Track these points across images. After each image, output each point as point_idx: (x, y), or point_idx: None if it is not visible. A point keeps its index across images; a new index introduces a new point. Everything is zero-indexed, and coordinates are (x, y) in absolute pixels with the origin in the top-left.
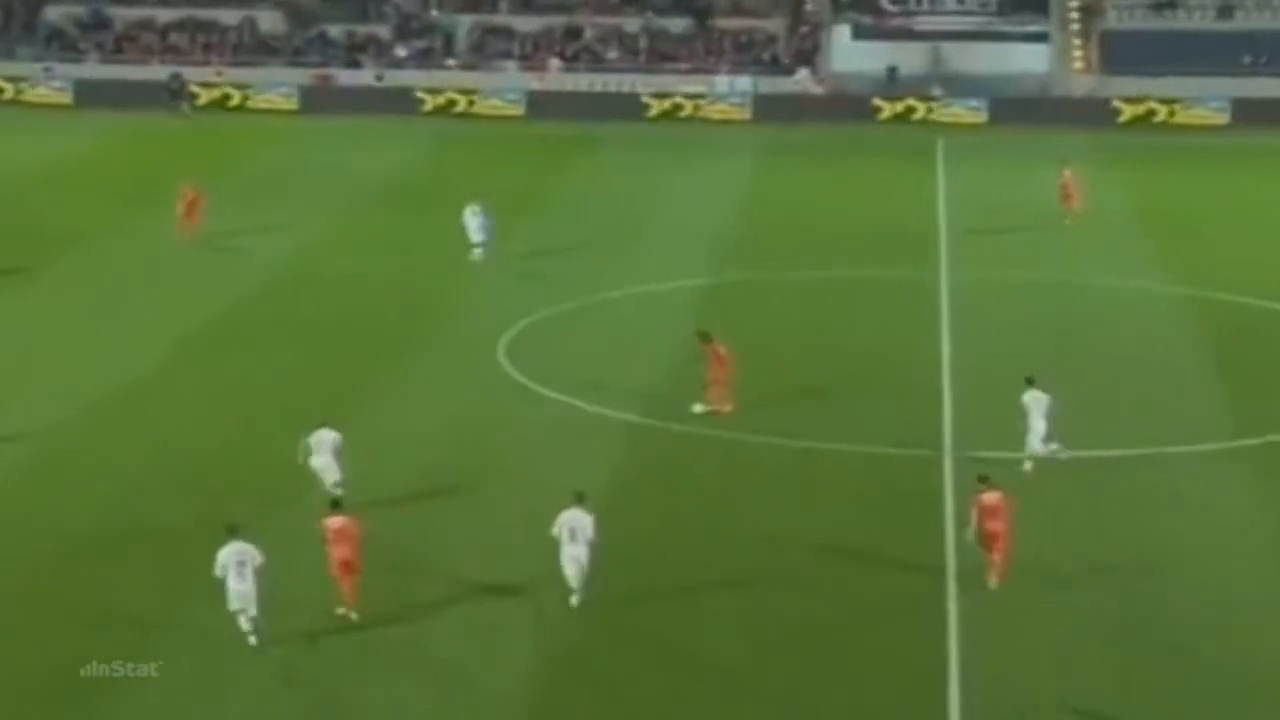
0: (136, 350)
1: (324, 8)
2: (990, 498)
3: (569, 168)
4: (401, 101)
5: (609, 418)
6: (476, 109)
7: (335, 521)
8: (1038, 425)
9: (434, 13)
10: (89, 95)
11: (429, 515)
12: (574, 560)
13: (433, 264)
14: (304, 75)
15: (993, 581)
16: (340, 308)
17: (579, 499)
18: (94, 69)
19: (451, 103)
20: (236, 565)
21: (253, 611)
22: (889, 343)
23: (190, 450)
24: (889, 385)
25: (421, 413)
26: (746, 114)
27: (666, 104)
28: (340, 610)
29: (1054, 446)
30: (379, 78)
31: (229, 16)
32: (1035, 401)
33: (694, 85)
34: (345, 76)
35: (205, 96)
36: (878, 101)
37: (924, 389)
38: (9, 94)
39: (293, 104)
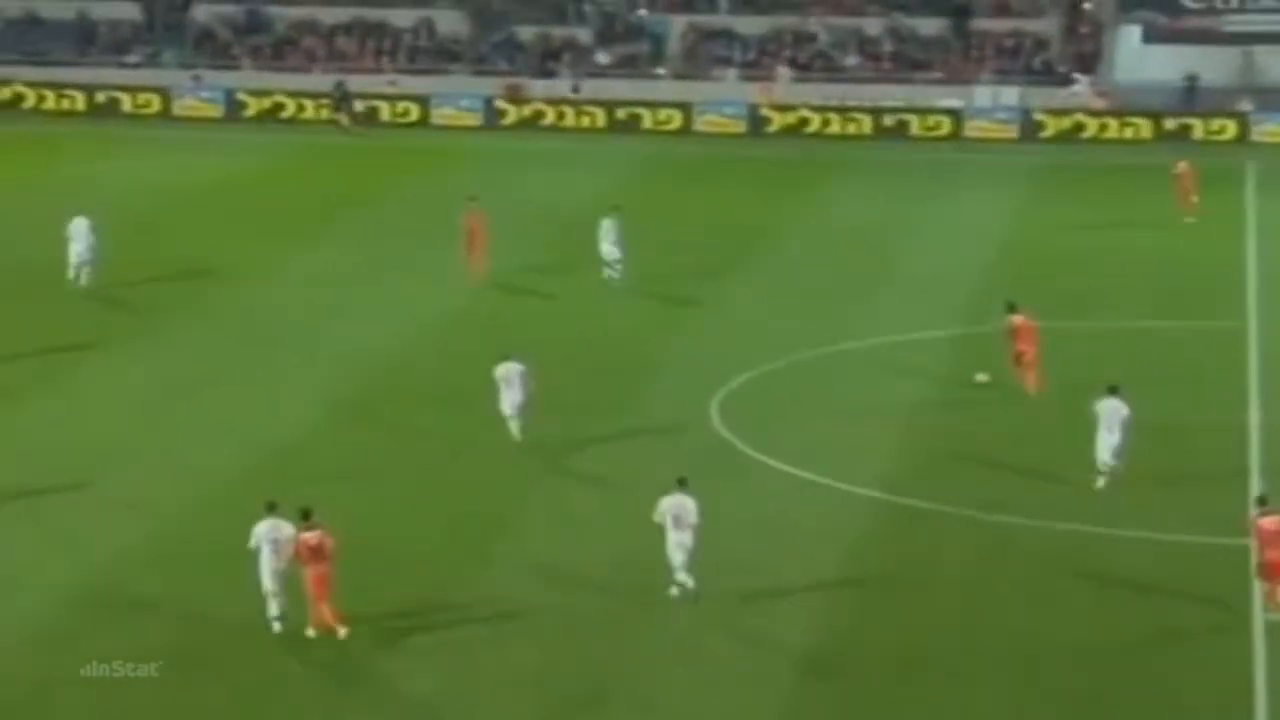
0: (284, 408)
1: (513, 7)
2: (1270, 523)
3: (799, 196)
4: (601, 116)
5: (842, 491)
6: (690, 125)
7: (311, 537)
8: (1109, 438)
9: (641, 12)
10: (242, 108)
11: (627, 610)
12: (680, 547)
13: (629, 307)
14: (489, 85)
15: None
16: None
17: (681, 484)
18: (248, 77)
19: (662, 119)
20: (271, 542)
21: (282, 596)
22: (1182, 408)
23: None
24: (1180, 459)
25: (619, 484)
26: (1012, 132)
27: (916, 120)
28: (311, 631)
29: (1113, 463)
30: (576, 89)
31: (403, 17)
32: (1112, 411)
33: (949, 98)
34: (537, 87)
35: (383, 110)
36: (1173, 117)
37: (1225, 463)
38: (154, 106)
39: (475, 119)
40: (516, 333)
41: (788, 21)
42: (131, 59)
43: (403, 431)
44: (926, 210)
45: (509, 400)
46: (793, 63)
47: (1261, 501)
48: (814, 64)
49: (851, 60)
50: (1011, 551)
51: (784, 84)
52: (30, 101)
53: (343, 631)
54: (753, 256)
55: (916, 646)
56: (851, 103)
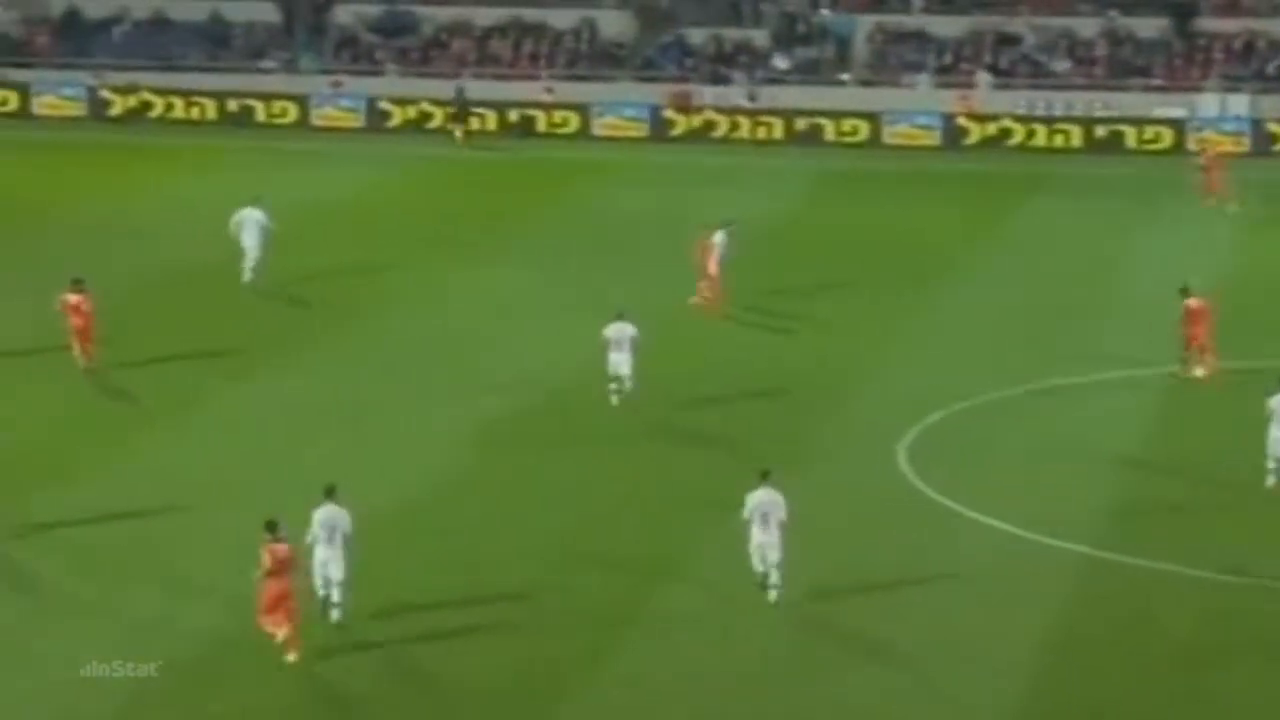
0: (430, 443)
1: (683, 7)
2: None
3: (1000, 217)
4: (779, 127)
5: (1042, 545)
6: (878, 137)
7: (280, 549)
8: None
9: (824, 12)
10: (385, 117)
11: (805, 668)
12: (768, 548)
13: (809, 338)
14: (656, 93)
15: None
16: (705, 392)
17: (764, 476)
18: (392, 84)
19: (846, 130)
20: (327, 530)
21: (337, 583)
22: None
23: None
24: None
25: (795, 537)
26: (1244, 145)
27: (1132, 132)
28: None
29: None
30: (752, 97)
31: (563, 18)
32: None
33: (1170, 107)
34: (709, 95)
35: (539, 120)
36: None
37: None
38: (291, 115)
39: (640, 130)
40: (681, 362)
41: (989, 21)
42: (267, 64)
43: (562, 469)
44: (1143, 233)
45: (615, 361)
46: (994, 68)
47: None
48: (1018, 69)
49: (1061, 65)
50: (1238, 617)
51: (984, 91)
52: (158, 109)
53: (291, 656)
54: (947, 283)
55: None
56: (1060, 112)
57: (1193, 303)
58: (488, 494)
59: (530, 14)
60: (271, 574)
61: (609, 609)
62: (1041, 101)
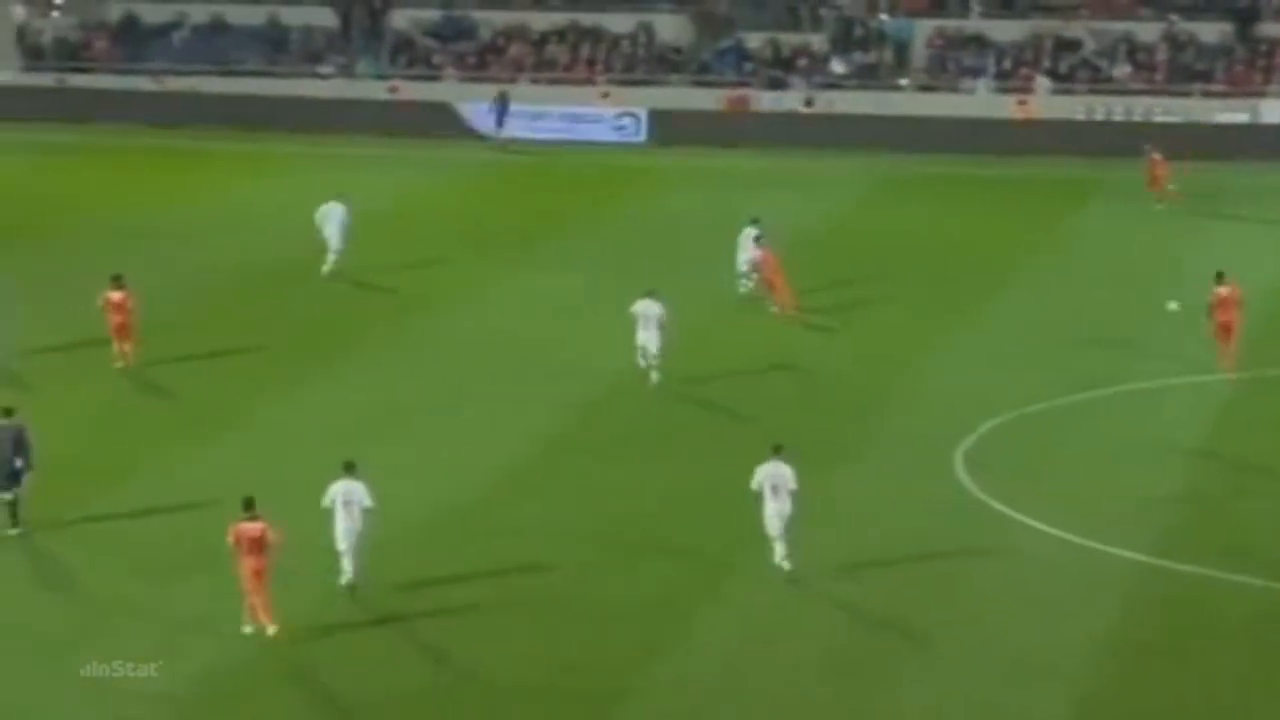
0: (494, 443)
1: (741, 11)
2: None
3: (1058, 221)
4: (836, 132)
5: (1103, 553)
6: (938, 141)
7: (252, 528)
8: None
9: (883, 17)
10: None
11: (861, 685)
12: (779, 516)
13: (866, 342)
14: (712, 98)
15: None
16: (757, 397)
17: (777, 450)
18: (450, 89)
19: (903, 134)
20: (344, 503)
21: (354, 560)
22: None
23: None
24: None
25: (850, 541)
26: None
27: (1194, 137)
28: (249, 628)
29: None
30: (809, 102)
31: (620, 22)
32: None
33: (1233, 113)
34: (766, 100)
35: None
36: None
37: None
38: (348, 119)
39: (698, 133)
40: (736, 364)
41: (1048, 26)
42: (324, 69)
43: (614, 468)
44: (1205, 239)
45: (643, 339)
46: (1052, 73)
47: None
48: (1077, 74)
49: (1120, 70)
50: None
51: (1043, 96)
52: (215, 114)
53: (271, 630)
54: (1005, 286)
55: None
56: (1119, 117)
57: (1223, 290)
58: (542, 492)
59: (587, 18)
60: (245, 552)
61: (662, 607)
62: (1101, 106)
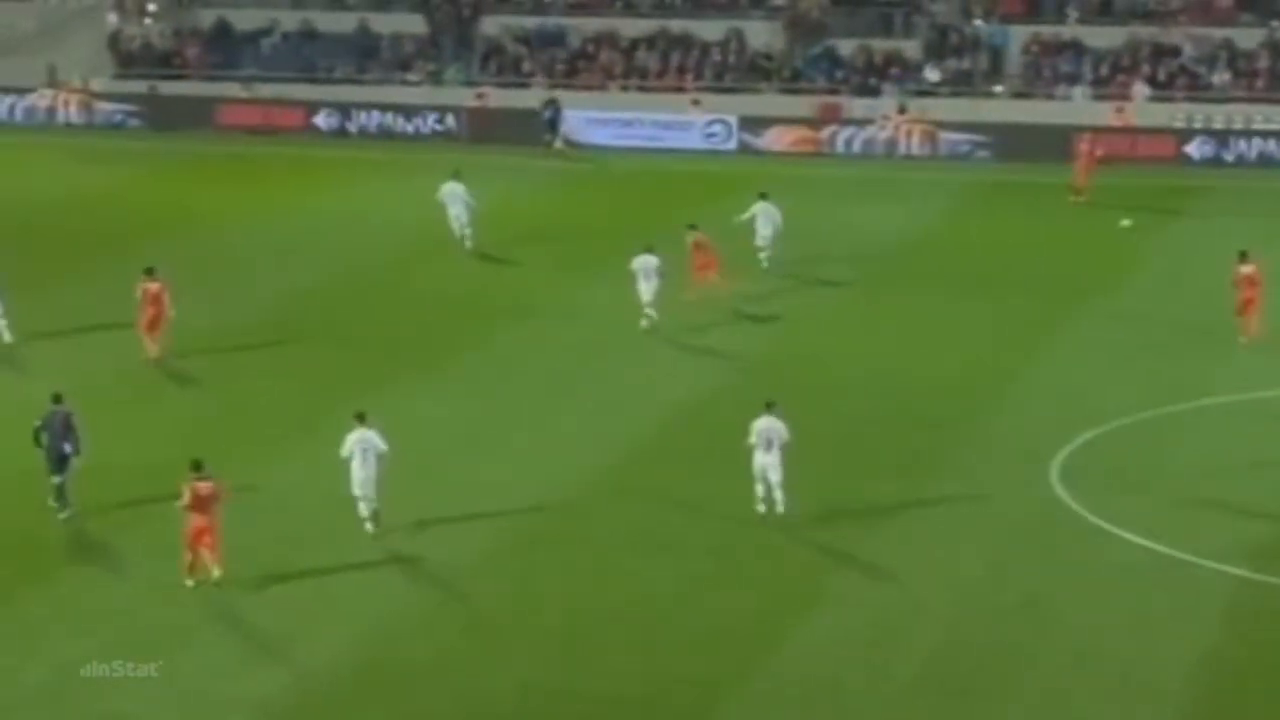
0: (572, 458)
1: (834, 17)
2: None
3: (1155, 229)
4: (927, 140)
5: (1204, 568)
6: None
7: (203, 486)
8: None
9: (978, 23)
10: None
11: (947, 702)
12: (769, 468)
13: (957, 352)
14: (805, 105)
15: None
16: (851, 407)
17: (769, 406)
18: (539, 96)
19: (999, 142)
20: (361, 451)
21: (373, 498)
22: None
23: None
24: None
25: (946, 555)
26: None
27: None
28: (190, 581)
29: None
30: (902, 109)
31: (711, 29)
32: None
33: None
34: (858, 107)
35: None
36: None
37: None
38: (438, 127)
39: (790, 142)
40: (825, 376)
41: (1146, 32)
42: (413, 76)
43: (697, 483)
44: None
45: (643, 290)
46: (1151, 80)
47: None
48: (1176, 81)
49: (1220, 77)
50: None
51: (1140, 104)
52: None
53: (217, 573)
54: (1100, 296)
55: None
56: (1219, 125)
57: (1245, 269)
58: (625, 505)
59: (677, 25)
60: (193, 509)
61: (749, 625)
62: (1200, 114)
